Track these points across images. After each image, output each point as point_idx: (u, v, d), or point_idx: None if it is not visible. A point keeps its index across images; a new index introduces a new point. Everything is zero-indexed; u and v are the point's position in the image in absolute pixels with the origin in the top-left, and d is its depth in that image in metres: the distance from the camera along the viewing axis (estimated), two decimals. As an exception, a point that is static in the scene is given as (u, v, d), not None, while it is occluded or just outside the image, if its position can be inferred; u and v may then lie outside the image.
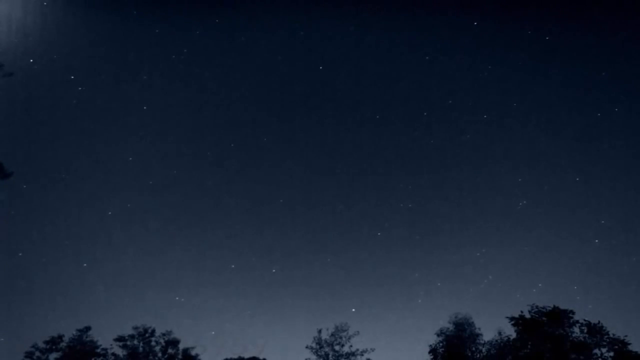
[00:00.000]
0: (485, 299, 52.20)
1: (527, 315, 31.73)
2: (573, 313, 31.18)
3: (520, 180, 59.36)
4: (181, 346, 36.45)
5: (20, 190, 50.24)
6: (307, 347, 34.74)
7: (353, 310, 50.82)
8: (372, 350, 34.60)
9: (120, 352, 35.10)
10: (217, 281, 56.85)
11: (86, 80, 54.33)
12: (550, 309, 31.38)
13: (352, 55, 62.18)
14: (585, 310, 48.58)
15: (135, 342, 35.41)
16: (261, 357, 39.66)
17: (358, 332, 34.92)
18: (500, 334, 33.25)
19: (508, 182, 60.36)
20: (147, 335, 35.84)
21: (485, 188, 61.56)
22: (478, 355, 33.38)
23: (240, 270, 57.91)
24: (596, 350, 29.99)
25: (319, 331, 35.06)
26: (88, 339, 35.05)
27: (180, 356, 36.13)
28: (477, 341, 33.74)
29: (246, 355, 39.44)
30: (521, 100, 60.41)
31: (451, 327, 34.35)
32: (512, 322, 31.95)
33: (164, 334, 36.34)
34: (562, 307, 31.47)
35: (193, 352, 36.50)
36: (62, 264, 52.84)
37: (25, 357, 33.59)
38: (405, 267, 58.09)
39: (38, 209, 53.75)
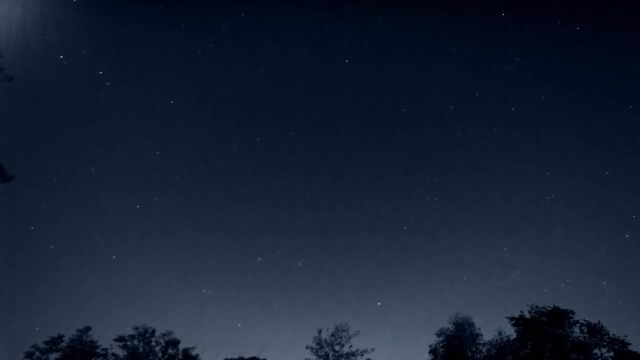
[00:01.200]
0: (512, 294, 51.70)
1: (527, 316, 31.74)
2: (573, 313, 31.20)
3: (548, 174, 58.09)
4: (181, 346, 36.51)
5: (22, 190, 50.42)
6: (307, 347, 34.82)
7: (379, 304, 50.55)
8: (372, 350, 34.68)
9: (121, 353, 35.13)
10: (231, 278, 56.97)
11: (114, 76, 55.11)
12: (550, 309, 31.38)
13: (378, 48, 61.46)
14: (615, 305, 47.60)
15: (136, 342, 35.43)
16: (261, 357, 39.70)
17: (358, 332, 35.01)
18: (500, 334, 33.29)
19: (535, 177, 59.12)
20: (147, 335, 35.86)
21: (513, 182, 60.63)
22: (478, 356, 33.39)
23: (265, 265, 57.98)
24: (596, 350, 30.01)
25: (319, 331, 35.11)
26: (88, 339, 35.08)
27: (180, 356, 36.15)
28: (477, 341, 33.77)
29: (246, 356, 39.46)
30: (549, 93, 58.98)
31: (451, 327, 34.40)
32: (512, 322, 31.96)
33: (164, 334, 36.36)
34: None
35: (193, 353, 36.52)
36: (63, 263, 52.96)
37: (25, 357, 33.62)
38: (431, 262, 57.61)
39: (38, 207, 53.83)
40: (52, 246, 52.64)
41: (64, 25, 46.57)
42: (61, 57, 46.04)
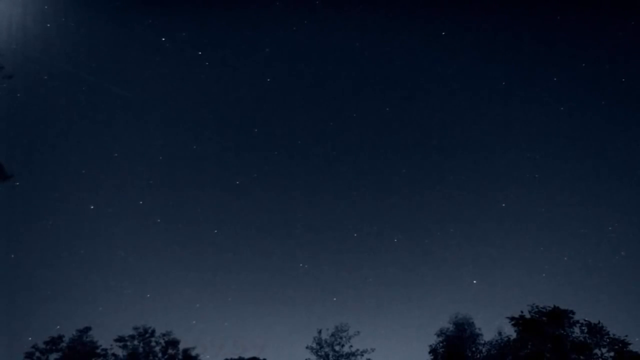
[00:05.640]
0: (616, 276, 51.09)
1: (527, 316, 31.74)
2: (573, 313, 31.21)
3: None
4: (181, 346, 36.50)
5: (22, 189, 50.48)
6: (307, 348, 34.81)
7: (474, 281, 50.13)
8: (372, 350, 34.68)
9: (121, 353, 35.14)
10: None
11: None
12: (550, 309, 31.40)
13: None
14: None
15: (136, 342, 35.42)
16: (261, 357, 39.71)
17: (358, 332, 35.02)
18: (500, 334, 33.32)
19: None
20: (147, 335, 35.85)
21: (622, 159, 58.66)
22: (478, 356, 33.38)
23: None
24: (596, 350, 30.00)
25: (319, 331, 35.12)
26: (88, 339, 35.08)
27: (180, 356, 36.14)
28: (477, 341, 33.77)
29: (246, 356, 39.47)
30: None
31: (451, 327, 34.41)
32: (512, 322, 31.96)
33: (164, 335, 36.35)
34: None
35: (193, 353, 36.52)
36: (63, 263, 52.96)
37: (25, 357, 33.62)
38: (530, 240, 56.82)
39: (38, 207, 53.87)
40: (52, 246, 52.70)
41: (64, 25, 46.78)
42: (163, 39, 48.03)
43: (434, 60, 60.89)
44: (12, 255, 49.44)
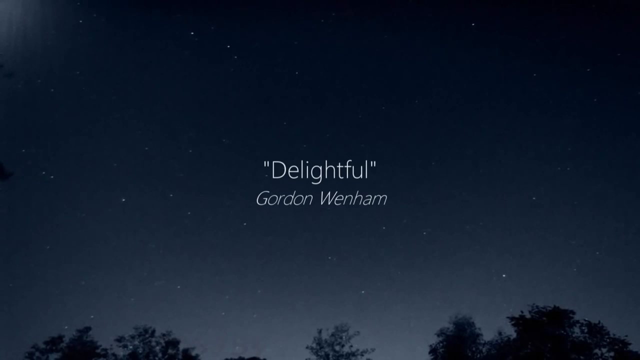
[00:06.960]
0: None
1: (528, 316, 31.74)
2: (573, 313, 31.18)
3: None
4: (181, 346, 36.51)
5: (22, 187, 50.57)
6: (307, 348, 34.82)
7: (503, 275, 50.11)
8: (372, 350, 34.69)
9: (121, 353, 35.16)
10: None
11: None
12: (550, 309, 31.39)
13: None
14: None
15: (136, 342, 35.44)
16: (261, 357, 39.71)
17: (358, 332, 35.05)
18: (500, 334, 33.30)
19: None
20: (147, 335, 35.86)
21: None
22: (478, 356, 33.38)
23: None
24: (596, 350, 29.98)
25: (319, 331, 35.15)
26: (88, 339, 35.09)
27: (180, 356, 36.14)
28: (478, 341, 33.77)
29: (246, 356, 39.48)
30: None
31: (451, 327, 34.41)
32: (513, 322, 31.96)
33: (164, 335, 36.37)
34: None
35: (193, 353, 36.53)
36: (63, 263, 52.94)
37: (25, 357, 33.62)
38: (561, 235, 56.12)
39: (39, 207, 53.88)
40: (52, 246, 52.67)
41: (64, 25, 46.89)
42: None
43: (463, 54, 61.05)
44: (48, 247, 49.80)
